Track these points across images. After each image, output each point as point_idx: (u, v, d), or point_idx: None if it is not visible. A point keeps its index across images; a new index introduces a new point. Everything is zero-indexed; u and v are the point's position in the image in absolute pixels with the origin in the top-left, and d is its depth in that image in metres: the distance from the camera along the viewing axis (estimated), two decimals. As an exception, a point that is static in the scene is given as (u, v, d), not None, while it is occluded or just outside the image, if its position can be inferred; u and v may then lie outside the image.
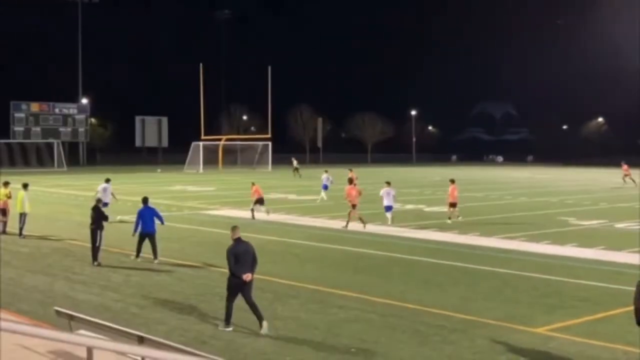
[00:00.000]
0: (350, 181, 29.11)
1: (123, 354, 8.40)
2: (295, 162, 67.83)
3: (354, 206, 27.27)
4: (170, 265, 19.03)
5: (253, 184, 31.76)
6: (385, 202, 28.60)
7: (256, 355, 11.33)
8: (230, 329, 12.83)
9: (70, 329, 10.96)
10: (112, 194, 29.88)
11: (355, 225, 27.36)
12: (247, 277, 12.75)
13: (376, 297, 15.27)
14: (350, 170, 42.17)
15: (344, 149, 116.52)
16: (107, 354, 8.70)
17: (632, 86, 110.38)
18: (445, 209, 30.38)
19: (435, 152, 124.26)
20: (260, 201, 30.64)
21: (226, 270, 18.05)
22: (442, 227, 26.80)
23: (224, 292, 15.67)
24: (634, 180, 52.94)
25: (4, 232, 24.63)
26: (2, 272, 17.54)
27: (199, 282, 16.93)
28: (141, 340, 9.85)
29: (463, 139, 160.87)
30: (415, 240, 23.89)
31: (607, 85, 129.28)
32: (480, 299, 15.22)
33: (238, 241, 13.12)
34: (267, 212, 30.82)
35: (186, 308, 14.34)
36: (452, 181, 29.65)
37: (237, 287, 12.84)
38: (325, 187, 39.98)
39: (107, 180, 30.27)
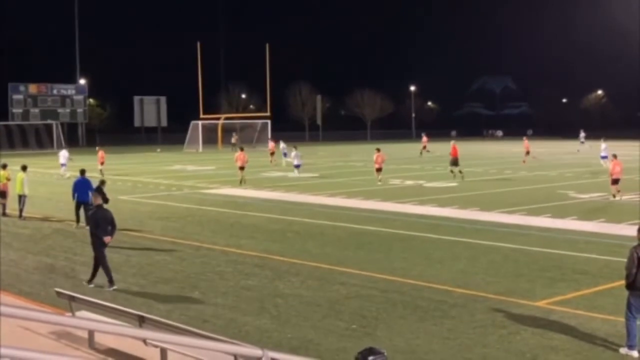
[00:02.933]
0: (242, 149, 37.54)
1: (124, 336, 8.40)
2: (234, 139, 72.44)
3: (241, 168, 35.59)
4: (171, 244, 19.05)
5: (98, 149, 43.02)
6: (295, 162, 40.13)
7: (257, 333, 11.35)
8: (116, 286, 14.15)
9: (72, 310, 10.97)
10: (70, 158, 41.50)
11: (354, 202, 27.41)
12: (107, 239, 14.53)
13: (377, 273, 15.29)
14: (272, 140, 53.78)
15: (343, 126, 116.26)
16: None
17: (632, 59, 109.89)
18: (452, 182, 30.40)
19: (435, 128, 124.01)
20: (102, 164, 41.59)
21: (227, 249, 18.20)
22: (442, 203, 26.80)
23: (224, 270, 15.79)
24: (428, 151, 56.98)
25: (4, 214, 24.63)
26: (3, 254, 17.55)
27: (199, 260, 16.95)
28: (142, 320, 9.86)
29: (463, 114, 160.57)
30: (416, 215, 23.88)
31: (606, 58, 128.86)
32: (481, 273, 15.23)
33: (99, 207, 14.87)
34: (101, 173, 38.58)
35: (187, 287, 14.36)
36: (378, 149, 35.98)
37: (99, 246, 14.46)
38: (285, 155, 48.12)
39: (66, 149, 45.57)
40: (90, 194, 21.24)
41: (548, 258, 16.74)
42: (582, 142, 67.42)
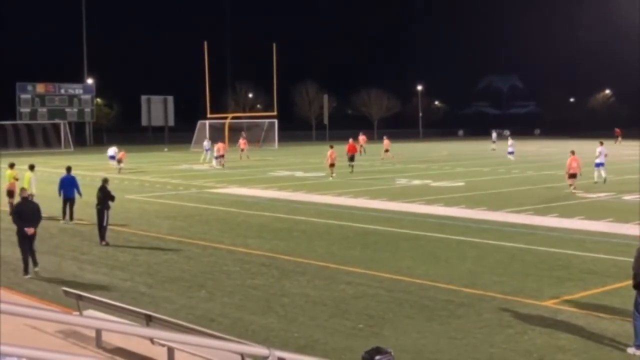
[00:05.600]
0: (223, 142, 45.81)
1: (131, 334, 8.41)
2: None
3: (220, 157, 45.10)
4: (178, 243, 19.09)
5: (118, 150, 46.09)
6: (216, 154, 47.62)
7: (263, 332, 11.36)
8: (29, 275, 15.27)
9: (79, 309, 11.00)
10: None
11: (361, 202, 27.42)
12: (29, 230, 15.39)
13: (384, 272, 15.28)
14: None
15: (350, 126, 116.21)
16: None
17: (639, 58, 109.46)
18: (460, 182, 30.30)
19: (442, 127, 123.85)
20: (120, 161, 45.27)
21: (233, 248, 18.24)
22: (449, 202, 26.77)
23: (231, 269, 15.82)
24: (363, 152, 57.91)
25: (11, 213, 24.68)
26: (11, 253, 17.60)
27: (206, 260, 16.97)
28: (149, 319, 9.88)
29: (469, 114, 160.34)
30: (423, 215, 23.86)
31: (614, 57, 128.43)
32: (488, 273, 15.21)
33: (24, 200, 15.78)
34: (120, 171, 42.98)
35: (194, 286, 14.39)
36: (331, 146, 39.63)
37: (23, 237, 15.45)
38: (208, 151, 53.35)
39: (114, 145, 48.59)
40: (74, 190, 22.93)
41: (555, 258, 16.70)
42: (494, 142, 73.87)
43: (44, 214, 24.46)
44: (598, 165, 33.65)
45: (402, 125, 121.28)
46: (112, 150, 48.06)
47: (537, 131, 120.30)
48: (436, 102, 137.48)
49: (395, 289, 13.89)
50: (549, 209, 24.70)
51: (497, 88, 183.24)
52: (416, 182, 35.35)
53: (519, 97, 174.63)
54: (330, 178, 37.16)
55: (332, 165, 38.21)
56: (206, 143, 56.17)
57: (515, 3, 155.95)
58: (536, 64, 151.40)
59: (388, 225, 21.62)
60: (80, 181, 34.09)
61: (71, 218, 22.98)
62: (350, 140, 43.92)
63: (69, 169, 23.99)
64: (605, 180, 32.70)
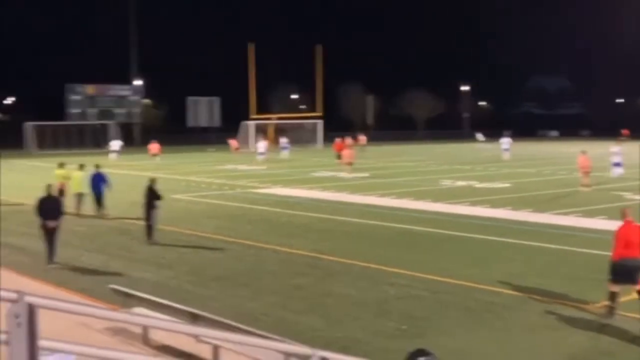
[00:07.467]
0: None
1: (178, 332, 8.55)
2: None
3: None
4: (223, 242, 19.28)
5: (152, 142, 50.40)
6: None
7: (307, 331, 11.43)
8: (53, 265, 16.43)
9: (126, 307, 11.21)
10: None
11: (404, 202, 27.33)
12: (50, 224, 16.48)
13: (427, 274, 15.23)
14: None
15: (394, 126, 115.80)
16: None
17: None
18: (505, 184, 29.99)
19: (488, 128, 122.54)
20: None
21: (278, 248, 18.37)
22: (494, 204, 26.53)
23: (275, 269, 15.95)
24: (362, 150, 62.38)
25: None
26: (60, 251, 17.98)
27: (250, 259, 17.12)
28: (195, 317, 10.02)
29: (516, 114, 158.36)
30: (467, 217, 23.69)
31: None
32: (533, 275, 15.05)
33: (49, 197, 16.97)
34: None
35: (238, 285, 14.53)
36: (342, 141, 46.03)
37: (47, 230, 16.55)
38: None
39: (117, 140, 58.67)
40: (102, 186, 24.82)
41: (603, 261, 16.38)
42: (483, 141, 72.77)
43: (92, 213, 25.09)
44: (616, 164, 36.89)
45: (447, 127, 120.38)
46: (116, 145, 54.15)
47: (586, 132, 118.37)
48: (482, 103, 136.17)
49: (438, 290, 13.84)
50: (596, 211, 24.31)
51: (544, 88, 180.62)
52: (461, 183, 35.09)
53: (568, 98, 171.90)
54: (348, 175, 39.04)
55: (349, 163, 40.88)
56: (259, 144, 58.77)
57: (564, 2, 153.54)
58: (585, 64, 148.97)
59: (432, 227, 21.53)
60: (128, 180, 34.83)
61: (100, 205, 24.71)
62: (337, 140, 51.90)
63: (97, 166, 25.85)
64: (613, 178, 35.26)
